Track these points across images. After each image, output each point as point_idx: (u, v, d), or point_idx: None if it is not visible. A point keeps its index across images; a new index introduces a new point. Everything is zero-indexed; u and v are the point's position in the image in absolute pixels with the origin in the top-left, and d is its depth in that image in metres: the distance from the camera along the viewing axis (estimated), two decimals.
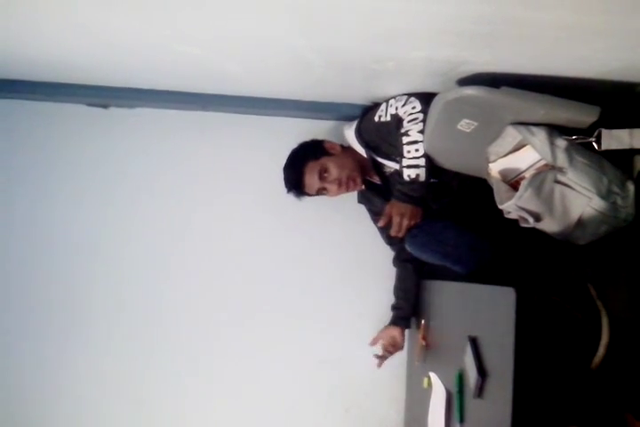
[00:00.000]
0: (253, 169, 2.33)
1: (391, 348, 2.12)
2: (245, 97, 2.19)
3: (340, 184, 2.03)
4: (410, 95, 1.86)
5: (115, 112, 2.31)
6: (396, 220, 1.85)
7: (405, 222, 1.85)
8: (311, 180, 2.03)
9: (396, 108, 1.85)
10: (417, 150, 1.79)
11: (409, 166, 1.80)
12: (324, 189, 2.05)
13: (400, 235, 1.89)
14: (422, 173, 1.80)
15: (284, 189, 2.09)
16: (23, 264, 2.28)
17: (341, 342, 2.34)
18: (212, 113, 2.30)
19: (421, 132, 1.77)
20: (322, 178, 2.02)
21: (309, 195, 2.10)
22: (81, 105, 2.28)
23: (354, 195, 2.21)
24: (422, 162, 1.79)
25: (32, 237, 2.29)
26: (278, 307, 2.33)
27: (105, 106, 2.30)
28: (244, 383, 2.32)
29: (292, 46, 1.51)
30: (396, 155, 1.89)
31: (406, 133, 1.80)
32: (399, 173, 1.85)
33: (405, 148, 1.80)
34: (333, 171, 2.02)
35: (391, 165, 1.99)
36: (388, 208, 1.88)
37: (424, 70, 1.68)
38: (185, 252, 2.33)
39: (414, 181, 1.81)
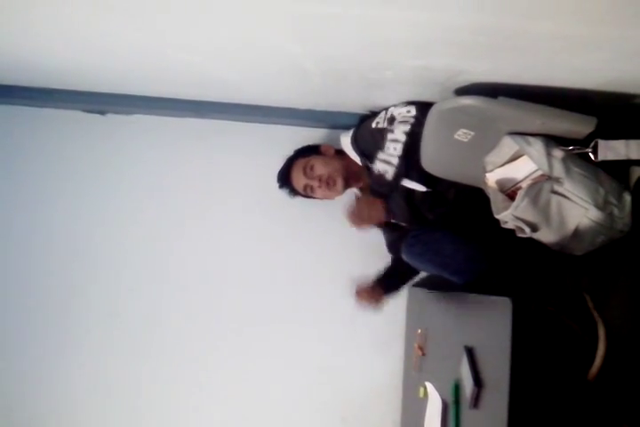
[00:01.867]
0: (249, 176, 2.33)
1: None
2: (242, 104, 2.19)
3: (320, 181, 2.04)
4: (411, 103, 1.86)
5: (112, 119, 2.31)
6: (351, 207, 1.86)
7: (365, 212, 1.86)
8: (297, 176, 2.07)
9: (393, 112, 1.86)
10: (395, 149, 1.77)
11: (382, 160, 1.80)
12: (310, 186, 2.06)
13: (354, 226, 1.88)
14: (391, 171, 1.78)
15: (280, 197, 2.11)
16: (21, 269, 2.28)
17: (338, 351, 2.33)
18: (209, 120, 2.31)
19: (406, 133, 1.76)
20: (305, 174, 2.05)
21: (299, 193, 2.12)
22: (78, 111, 2.28)
23: None
24: (395, 161, 1.77)
25: (28, 241, 2.28)
26: (275, 315, 2.32)
27: (102, 112, 2.30)
28: (240, 392, 2.31)
29: (289, 54, 1.51)
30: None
31: (392, 130, 1.79)
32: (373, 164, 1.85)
33: (387, 144, 1.79)
34: (317, 168, 2.05)
35: None
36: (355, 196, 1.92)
37: (421, 80, 1.68)
38: (181, 258, 2.33)
39: (381, 177, 1.79)
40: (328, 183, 2.04)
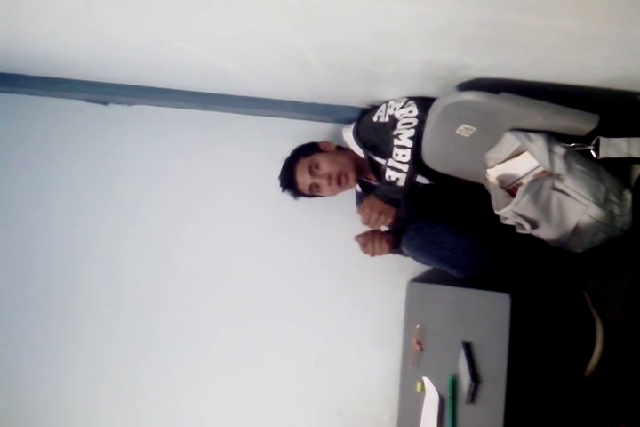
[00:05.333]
0: (251, 169, 2.32)
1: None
2: (244, 97, 2.19)
3: (330, 179, 2.02)
4: (410, 98, 1.86)
5: (114, 109, 2.31)
6: (366, 211, 1.85)
7: (375, 216, 1.83)
8: (302, 176, 2.04)
9: (394, 109, 1.86)
10: (404, 155, 1.78)
11: (392, 168, 1.80)
12: (316, 185, 2.04)
13: (370, 226, 1.89)
14: (403, 178, 1.79)
15: (281, 191, 2.11)
16: (19, 261, 2.28)
17: (335, 345, 2.33)
18: (211, 112, 2.30)
19: (412, 138, 1.77)
20: (312, 173, 2.03)
21: (304, 194, 2.10)
22: (80, 101, 2.28)
23: (353, 199, 2.21)
24: (406, 168, 1.79)
25: (27, 231, 2.28)
26: (273, 310, 2.32)
27: (104, 102, 2.30)
28: (237, 386, 2.31)
29: (291, 46, 1.51)
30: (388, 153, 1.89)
31: (397, 136, 1.80)
32: (383, 171, 1.84)
33: (395, 150, 1.80)
34: (324, 166, 2.02)
35: None
36: (363, 203, 1.88)
37: (424, 74, 1.67)
38: (182, 251, 2.33)
39: (392, 184, 1.80)
40: (340, 180, 2.03)
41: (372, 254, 2.02)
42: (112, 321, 2.29)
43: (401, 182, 1.79)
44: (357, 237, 2.05)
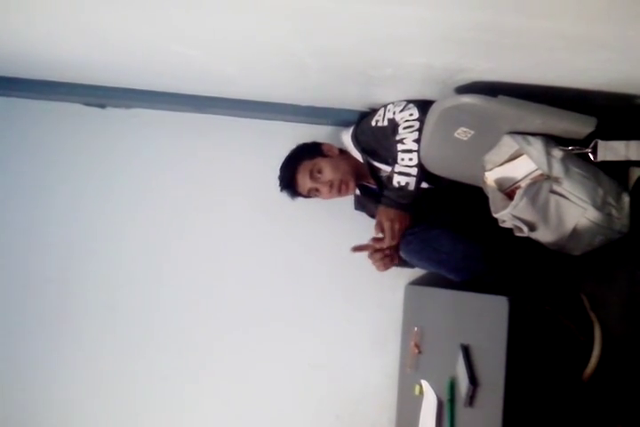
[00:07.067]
0: (249, 172, 2.32)
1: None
2: (242, 100, 2.19)
3: (331, 186, 2.02)
4: (409, 102, 1.86)
5: (111, 112, 2.31)
6: (386, 225, 1.84)
7: (397, 226, 1.84)
8: (303, 179, 2.03)
9: (394, 113, 1.85)
10: (411, 159, 1.79)
11: (400, 173, 1.80)
12: (316, 189, 2.04)
13: (395, 241, 1.88)
14: (412, 182, 1.80)
15: (279, 194, 2.11)
16: (18, 262, 2.27)
17: (333, 348, 2.32)
18: (208, 115, 2.30)
19: (416, 141, 1.77)
20: (313, 178, 2.02)
21: (302, 195, 2.10)
22: (78, 104, 2.27)
23: (350, 201, 2.21)
24: (414, 171, 1.79)
25: (25, 233, 2.27)
26: (270, 313, 2.31)
27: (102, 106, 2.30)
28: (234, 389, 2.31)
29: (289, 50, 1.51)
30: (392, 159, 1.89)
31: (401, 141, 1.80)
32: (389, 178, 1.84)
33: (400, 155, 1.80)
34: (327, 172, 2.02)
35: (387, 169, 1.99)
36: (377, 216, 1.88)
37: (422, 77, 1.68)
38: (179, 254, 2.32)
39: (402, 189, 1.80)
40: (340, 187, 2.03)
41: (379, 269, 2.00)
42: (111, 323, 2.28)
43: (411, 186, 1.80)
44: (372, 256, 1.98)
